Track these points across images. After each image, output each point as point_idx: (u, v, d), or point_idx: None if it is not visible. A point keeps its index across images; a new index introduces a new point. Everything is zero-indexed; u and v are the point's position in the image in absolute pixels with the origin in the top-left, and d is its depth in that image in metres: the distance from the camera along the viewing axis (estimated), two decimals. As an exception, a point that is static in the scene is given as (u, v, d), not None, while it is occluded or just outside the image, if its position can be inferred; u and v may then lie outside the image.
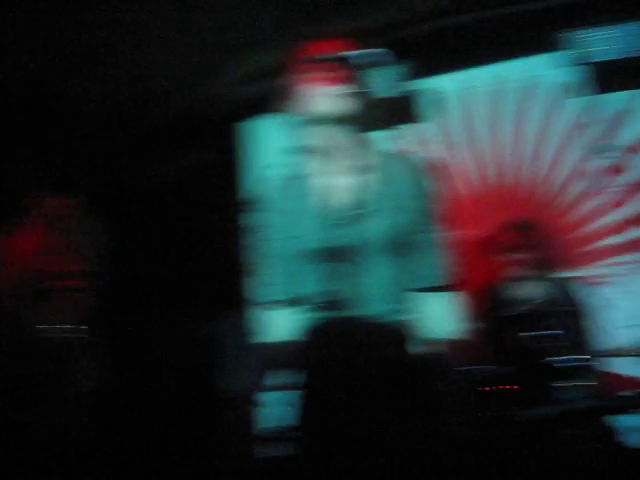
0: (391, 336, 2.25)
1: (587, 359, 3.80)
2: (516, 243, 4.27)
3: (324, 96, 2.25)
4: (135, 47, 4.76)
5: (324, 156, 2.33)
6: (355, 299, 2.24)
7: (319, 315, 2.26)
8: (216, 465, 4.56)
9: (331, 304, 2.25)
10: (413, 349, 2.28)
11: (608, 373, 4.17)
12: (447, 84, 5.19)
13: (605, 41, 4.49)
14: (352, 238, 2.25)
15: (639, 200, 4.48)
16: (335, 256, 2.23)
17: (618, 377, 4.28)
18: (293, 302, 2.33)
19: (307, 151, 2.22)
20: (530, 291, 4.20)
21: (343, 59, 2.28)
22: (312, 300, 2.29)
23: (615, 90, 4.69)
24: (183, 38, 4.78)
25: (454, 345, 2.33)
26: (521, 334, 3.70)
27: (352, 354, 2.21)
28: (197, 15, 4.62)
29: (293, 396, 2.27)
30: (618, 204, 4.68)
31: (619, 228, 4.70)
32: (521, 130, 5.01)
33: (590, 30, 4.53)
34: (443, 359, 2.31)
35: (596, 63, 4.63)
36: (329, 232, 2.24)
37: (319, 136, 2.27)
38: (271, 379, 2.50)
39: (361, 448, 2.16)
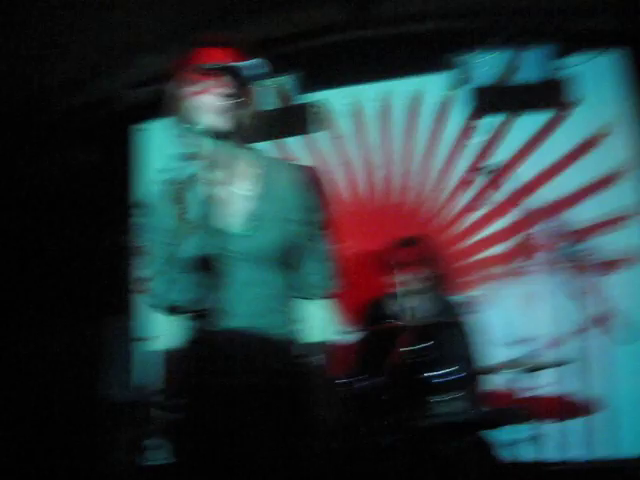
0: (272, 347, 2.24)
1: (464, 374, 3.92)
2: (402, 258, 4.34)
3: (211, 105, 2.21)
4: (26, 44, 4.66)
5: (211, 165, 2.29)
6: (235, 309, 2.22)
7: (197, 325, 2.24)
8: (98, 472, 4.48)
9: (210, 314, 2.23)
10: (295, 359, 2.28)
11: (484, 388, 4.32)
12: (337, 98, 5.27)
13: (488, 66, 4.66)
14: (236, 248, 2.24)
15: (514, 215, 4.67)
16: (215, 265, 2.21)
17: (494, 392, 4.45)
18: (173, 310, 2.28)
19: (194, 159, 2.13)
20: (413, 306, 4.27)
21: (231, 69, 2.21)
22: (191, 309, 2.25)
23: (495, 113, 4.91)
24: (78, 37, 4.71)
25: (335, 356, 2.35)
26: (401, 348, 3.71)
27: (231, 365, 2.22)
28: (94, 14, 4.56)
29: (172, 405, 2.24)
30: (495, 218, 4.91)
31: (496, 241, 4.91)
32: (408, 146, 5.16)
33: (476, 54, 4.70)
34: (323, 370, 2.34)
35: (479, 86, 4.81)
36: (211, 241, 2.20)
37: (205, 145, 2.23)
38: (153, 385, 2.48)
39: (238, 458, 2.17)
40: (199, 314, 2.22)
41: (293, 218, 2.30)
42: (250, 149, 2.36)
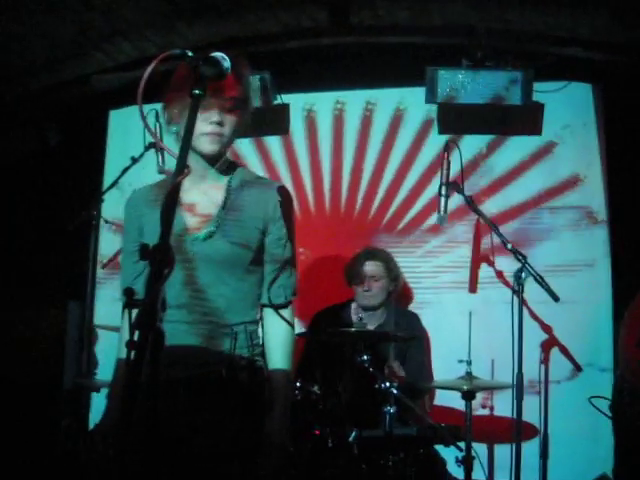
0: (233, 351, 2.28)
1: (415, 388, 3.97)
2: (361, 270, 4.43)
3: (187, 101, 2.06)
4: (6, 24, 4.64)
5: (186, 170, 2.30)
6: (191, 307, 2.28)
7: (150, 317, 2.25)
8: (55, 459, 4.44)
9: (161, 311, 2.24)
10: (252, 365, 2.32)
11: (428, 403, 4.38)
12: (316, 102, 5.31)
13: (466, 85, 4.71)
14: (199, 251, 2.28)
15: (480, 236, 4.74)
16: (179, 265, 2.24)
17: (442, 408, 4.50)
18: (131, 304, 2.30)
19: (185, 152, 2.16)
20: (368, 316, 4.35)
21: (221, 62, 2.01)
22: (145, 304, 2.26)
23: (470, 132, 5.00)
24: (56, 19, 4.69)
25: (284, 371, 2.36)
26: (352, 356, 3.76)
27: (181, 359, 2.25)
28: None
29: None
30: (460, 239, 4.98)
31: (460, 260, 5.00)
32: (383, 159, 5.21)
33: (454, 72, 4.74)
34: (276, 376, 2.35)
35: (455, 104, 4.86)
36: (176, 243, 2.22)
37: (180, 141, 2.13)
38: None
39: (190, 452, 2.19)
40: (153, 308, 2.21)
41: (260, 228, 2.35)
42: (224, 158, 2.40)
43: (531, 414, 4.36)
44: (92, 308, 5.04)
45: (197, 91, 1.88)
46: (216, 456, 2.20)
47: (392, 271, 4.47)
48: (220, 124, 2.28)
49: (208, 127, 2.26)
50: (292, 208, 2.46)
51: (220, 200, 2.37)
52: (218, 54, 1.95)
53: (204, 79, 1.90)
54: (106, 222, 4.89)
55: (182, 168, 1.83)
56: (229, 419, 2.23)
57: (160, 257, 1.73)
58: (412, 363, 4.33)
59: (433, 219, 4.52)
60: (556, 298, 3.63)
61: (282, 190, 2.45)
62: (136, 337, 1.73)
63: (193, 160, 2.29)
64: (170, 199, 1.80)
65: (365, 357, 3.67)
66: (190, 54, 2.09)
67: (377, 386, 3.63)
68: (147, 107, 1.93)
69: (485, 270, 4.78)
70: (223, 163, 2.41)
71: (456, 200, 4.09)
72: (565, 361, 4.67)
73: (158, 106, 2.42)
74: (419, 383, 4.23)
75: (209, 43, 4.97)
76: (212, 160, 2.37)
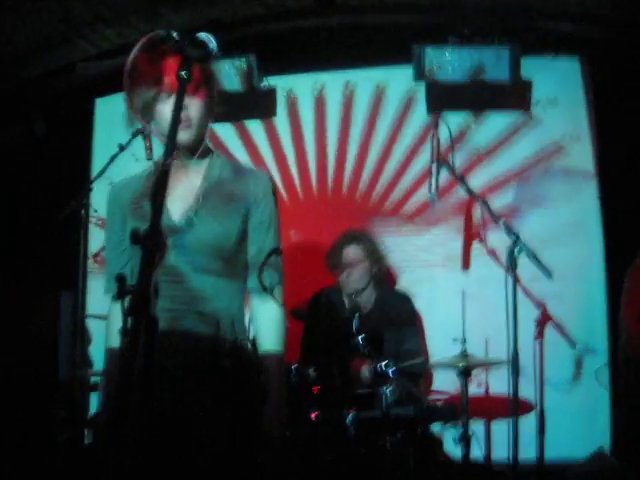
0: (217, 338, 2.26)
1: (407, 368, 3.95)
2: (347, 253, 4.40)
3: (169, 88, 2.16)
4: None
5: (168, 149, 2.28)
6: (178, 296, 2.25)
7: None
8: (47, 448, 4.44)
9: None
10: (238, 351, 2.29)
11: (423, 383, 4.38)
12: (299, 84, 5.27)
13: (453, 62, 4.70)
14: (181, 240, 2.26)
15: (471, 213, 4.74)
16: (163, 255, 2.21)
17: (432, 388, 4.51)
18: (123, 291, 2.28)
19: (173, 138, 2.12)
20: (357, 299, 4.34)
21: (208, 44, 1.98)
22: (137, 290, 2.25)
23: (458, 109, 4.98)
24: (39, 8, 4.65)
25: (278, 352, 2.36)
26: (344, 340, 3.74)
27: (173, 347, 2.23)
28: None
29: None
30: (450, 215, 4.98)
31: (444, 239, 5.01)
32: (368, 138, 5.19)
33: (439, 49, 4.72)
34: (269, 360, 2.35)
35: (441, 81, 4.85)
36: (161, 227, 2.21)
37: (163, 127, 2.21)
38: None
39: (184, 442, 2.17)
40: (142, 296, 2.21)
41: (242, 214, 2.33)
42: (204, 145, 2.37)
43: (526, 391, 4.37)
44: (84, 298, 5.02)
45: (183, 73, 1.85)
46: (207, 446, 2.18)
47: (374, 253, 4.44)
48: (185, 108, 2.20)
49: (173, 111, 2.18)
50: (274, 192, 2.42)
51: (200, 188, 2.34)
52: (203, 35, 1.93)
53: (190, 61, 1.87)
54: (95, 212, 4.85)
55: (171, 151, 1.82)
56: (216, 408, 2.20)
57: (152, 242, 1.71)
58: (408, 345, 4.32)
59: (421, 196, 4.51)
60: (549, 274, 3.63)
61: (262, 175, 2.44)
62: (129, 324, 1.75)
63: (178, 147, 2.23)
64: (160, 183, 1.78)
65: (360, 339, 3.65)
66: (175, 35, 2.09)
67: (372, 366, 3.63)
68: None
69: (477, 247, 4.77)
70: (202, 150, 2.37)
71: (445, 175, 4.07)
72: (559, 337, 4.68)
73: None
74: (416, 364, 4.22)
75: (194, 27, 4.92)
76: (190, 148, 2.33)
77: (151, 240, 1.72)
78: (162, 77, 2.20)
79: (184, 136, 2.25)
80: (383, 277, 4.54)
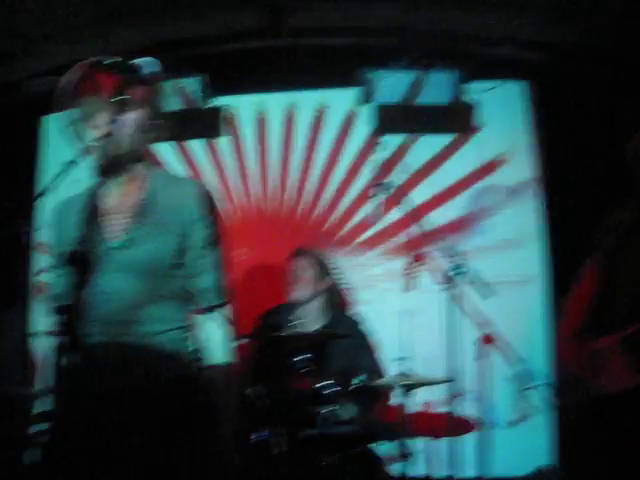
0: (160, 357, 2.25)
1: (350, 386, 3.95)
2: (296, 270, 4.43)
3: (106, 105, 2.16)
4: None
5: (101, 175, 2.30)
6: (114, 317, 2.24)
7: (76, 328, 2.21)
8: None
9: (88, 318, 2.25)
10: (184, 369, 2.29)
11: (370, 402, 4.39)
12: (243, 104, 5.29)
13: (395, 85, 4.77)
14: (117, 259, 2.24)
15: (407, 233, 4.79)
16: (98, 274, 2.22)
17: (379, 406, 4.52)
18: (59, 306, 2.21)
19: (86, 159, 2.12)
20: (306, 316, 4.37)
21: (132, 68, 2.16)
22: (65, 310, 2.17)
23: (398, 131, 5.04)
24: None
25: (226, 365, 2.35)
26: (292, 357, 3.77)
27: (110, 371, 2.22)
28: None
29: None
30: (390, 235, 5.03)
31: (389, 256, 5.06)
32: (310, 158, 5.24)
33: (383, 72, 4.81)
34: (215, 378, 2.35)
35: (384, 104, 4.93)
36: (94, 251, 2.20)
37: (98, 145, 2.20)
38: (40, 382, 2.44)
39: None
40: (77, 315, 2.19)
41: (180, 231, 2.31)
42: (142, 160, 2.37)
43: (470, 409, 4.42)
44: (28, 316, 4.97)
45: (117, 97, 1.88)
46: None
47: (321, 267, 4.47)
48: (118, 129, 2.21)
49: (105, 129, 2.19)
50: (215, 207, 2.39)
51: (138, 205, 2.32)
52: (137, 60, 1.95)
53: (121, 84, 1.90)
54: (39, 231, 4.81)
55: (101, 172, 1.83)
56: (160, 438, 2.16)
57: (81, 263, 1.73)
58: (362, 365, 4.33)
59: (361, 216, 4.55)
60: (487, 293, 3.68)
61: (202, 189, 2.39)
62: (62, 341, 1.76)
63: (112, 164, 2.27)
64: (90, 205, 1.79)
65: (302, 358, 3.68)
66: (108, 61, 2.10)
67: (318, 385, 3.65)
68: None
69: (419, 266, 4.80)
70: (142, 166, 2.37)
71: (385, 194, 4.10)
72: (502, 356, 4.73)
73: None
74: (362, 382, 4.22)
75: (144, 46, 4.92)
76: (128, 164, 2.32)
77: (81, 260, 1.73)
78: (99, 98, 2.20)
79: (121, 153, 2.26)
80: (333, 295, 4.56)
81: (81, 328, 2.23)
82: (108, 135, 2.15)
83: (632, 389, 3.03)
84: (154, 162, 2.45)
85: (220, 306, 2.38)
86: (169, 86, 4.83)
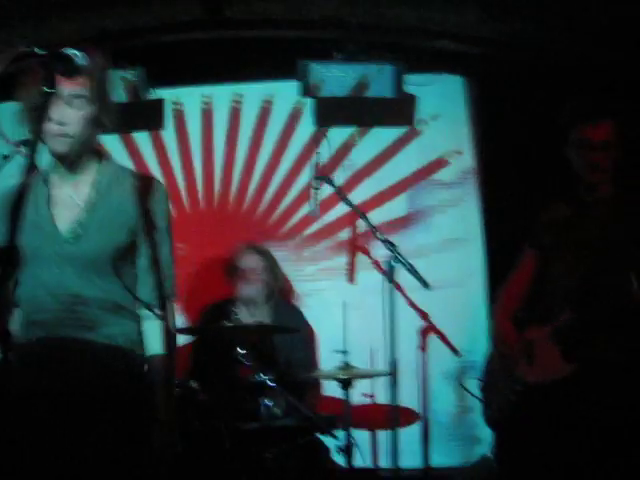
0: (102, 352, 2.24)
1: (290, 378, 3.99)
2: (241, 265, 4.42)
3: (52, 96, 1.99)
4: None
5: (51, 169, 2.31)
6: (54, 314, 2.23)
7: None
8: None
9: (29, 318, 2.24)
10: (125, 363, 2.28)
11: (312, 394, 4.41)
12: (186, 96, 5.24)
13: (338, 78, 4.77)
14: (63, 252, 2.23)
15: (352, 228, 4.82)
16: (42, 267, 2.23)
17: (319, 399, 4.54)
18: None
19: (33, 152, 2.11)
20: (249, 311, 4.38)
21: (68, 59, 1.96)
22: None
23: (341, 125, 5.05)
24: None
25: (167, 360, 2.34)
26: (233, 351, 3.74)
27: (53, 370, 2.21)
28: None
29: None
30: (333, 230, 5.06)
31: (330, 252, 5.08)
32: (254, 152, 5.20)
33: (327, 65, 4.80)
34: (152, 363, 2.34)
35: (328, 97, 4.92)
36: (42, 244, 2.22)
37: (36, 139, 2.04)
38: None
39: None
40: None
41: (127, 226, 2.30)
42: (92, 154, 2.35)
43: (412, 400, 4.47)
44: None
45: (47, 89, 1.85)
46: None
47: (273, 268, 4.49)
48: (62, 123, 2.21)
49: (53, 127, 2.20)
50: (166, 201, 2.40)
51: (87, 198, 2.31)
52: (70, 50, 1.92)
53: (54, 76, 1.87)
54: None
55: (30, 169, 1.80)
56: (108, 436, 2.17)
57: (5, 257, 1.70)
58: (296, 357, 4.36)
59: (305, 210, 4.56)
60: (426, 285, 3.73)
61: (153, 183, 2.39)
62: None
63: (59, 158, 2.27)
64: (17, 200, 1.76)
65: (240, 350, 3.67)
66: (39, 51, 2.06)
67: (259, 378, 3.64)
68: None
69: (362, 259, 4.84)
70: (90, 159, 2.35)
71: (328, 189, 4.12)
72: (443, 347, 4.79)
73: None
74: (300, 375, 4.24)
75: (83, 37, 4.85)
76: (74, 158, 2.30)
77: (5, 255, 1.70)
78: (30, 91, 2.17)
79: (59, 148, 2.24)
80: (276, 290, 4.56)
81: (15, 323, 2.22)
82: (48, 129, 2.15)
83: (562, 378, 3.11)
84: (102, 155, 2.42)
85: (163, 300, 2.37)
86: (112, 77, 4.76)
